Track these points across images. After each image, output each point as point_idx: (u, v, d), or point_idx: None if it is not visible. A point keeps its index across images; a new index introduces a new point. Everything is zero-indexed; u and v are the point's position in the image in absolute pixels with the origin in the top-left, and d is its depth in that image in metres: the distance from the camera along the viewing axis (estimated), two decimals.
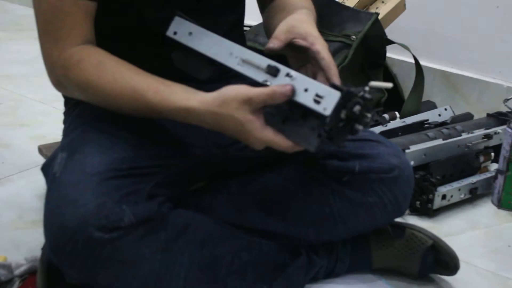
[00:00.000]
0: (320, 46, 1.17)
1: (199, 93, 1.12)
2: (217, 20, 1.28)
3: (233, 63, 1.17)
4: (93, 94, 1.18)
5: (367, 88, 1.03)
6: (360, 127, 1.04)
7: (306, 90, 1.06)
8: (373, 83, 1.07)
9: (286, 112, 1.10)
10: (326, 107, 1.02)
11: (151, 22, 1.27)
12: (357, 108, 1.02)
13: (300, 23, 1.22)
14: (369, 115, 1.04)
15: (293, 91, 1.06)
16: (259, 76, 1.13)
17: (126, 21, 1.27)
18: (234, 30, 1.42)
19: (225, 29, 1.36)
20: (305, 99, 1.06)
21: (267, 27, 1.37)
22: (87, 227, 1.08)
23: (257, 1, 1.45)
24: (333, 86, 1.04)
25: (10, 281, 1.28)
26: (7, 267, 1.29)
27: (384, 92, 2.00)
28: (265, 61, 1.14)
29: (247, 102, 1.06)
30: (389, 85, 1.12)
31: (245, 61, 1.16)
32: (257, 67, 1.14)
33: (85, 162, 1.16)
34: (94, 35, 1.22)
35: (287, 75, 1.09)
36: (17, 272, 1.29)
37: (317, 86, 1.06)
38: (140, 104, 1.15)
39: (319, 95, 1.04)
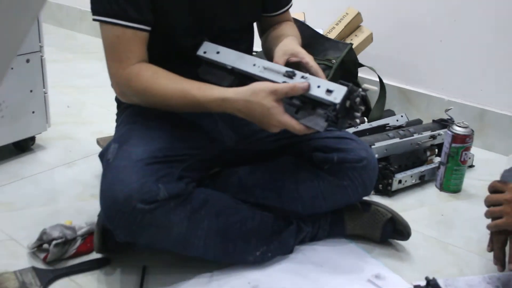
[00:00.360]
0: (308, 58, 1.21)
1: (232, 88, 1.16)
2: (233, 47, 1.27)
3: (257, 71, 1.19)
4: (151, 97, 1.19)
5: (361, 89, 1.08)
6: (358, 115, 1.09)
7: (318, 86, 1.10)
8: (366, 86, 1.12)
9: (298, 105, 1.13)
10: (336, 97, 1.07)
11: (186, 47, 1.28)
12: (358, 99, 1.08)
13: (291, 45, 1.25)
14: (363, 107, 1.10)
15: (309, 86, 1.10)
16: (279, 79, 1.15)
17: (168, 46, 1.27)
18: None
19: None
20: (318, 92, 1.10)
21: (266, 50, 1.39)
22: (132, 200, 1.08)
23: (258, 29, 1.46)
24: (340, 83, 1.09)
25: (74, 239, 1.28)
26: (72, 228, 1.29)
27: None
28: (282, 68, 1.17)
29: (273, 92, 1.10)
30: (375, 88, 1.16)
31: (266, 68, 1.18)
32: (277, 72, 1.17)
33: (131, 151, 1.17)
34: (147, 55, 1.23)
35: (302, 77, 1.13)
36: (79, 232, 1.29)
37: (328, 83, 1.11)
38: (187, 100, 1.17)
39: (330, 90, 1.09)
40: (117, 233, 1.14)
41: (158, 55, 1.24)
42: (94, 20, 1.19)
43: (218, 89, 1.16)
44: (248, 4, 1.32)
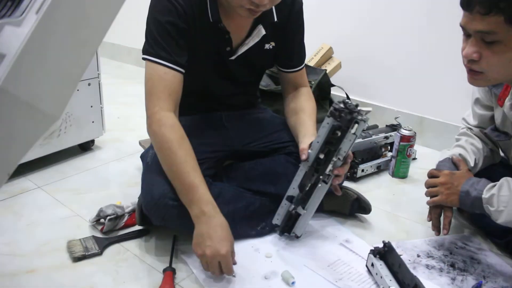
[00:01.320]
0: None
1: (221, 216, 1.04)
2: (247, 88, 1.25)
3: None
4: (158, 147, 1.07)
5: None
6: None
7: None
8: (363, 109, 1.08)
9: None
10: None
11: (211, 88, 1.25)
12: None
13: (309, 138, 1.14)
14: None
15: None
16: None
17: (199, 85, 1.23)
18: (255, 91, 1.41)
19: (251, 92, 1.37)
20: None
21: (287, 117, 1.30)
22: (165, 198, 1.06)
23: (281, 86, 1.35)
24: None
25: (122, 215, 1.26)
26: (121, 207, 1.27)
27: None
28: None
29: (231, 252, 1.03)
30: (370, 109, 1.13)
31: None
32: None
33: None
34: (178, 100, 1.10)
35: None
36: (126, 210, 1.28)
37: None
38: (183, 190, 1.03)
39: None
40: (154, 220, 1.12)
41: (192, 93, 1.20)
42: (143, 59, 1.11)
43: (214, 204, 1.03)
44: (262, 60, 1.27)
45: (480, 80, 1.02)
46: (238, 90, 1.30)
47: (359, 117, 1.03)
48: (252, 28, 1.19)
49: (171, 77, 1.08)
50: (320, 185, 1.12)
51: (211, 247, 0.99)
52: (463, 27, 0.99)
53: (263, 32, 1.18)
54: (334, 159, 1.07)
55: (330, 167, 1.08)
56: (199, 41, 1.14)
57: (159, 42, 1.09)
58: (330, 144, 1.07)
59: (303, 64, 1.32)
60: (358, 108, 1.04)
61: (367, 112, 1.08)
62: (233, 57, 1.20)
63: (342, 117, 1.03)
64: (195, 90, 1.23)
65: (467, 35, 0.99)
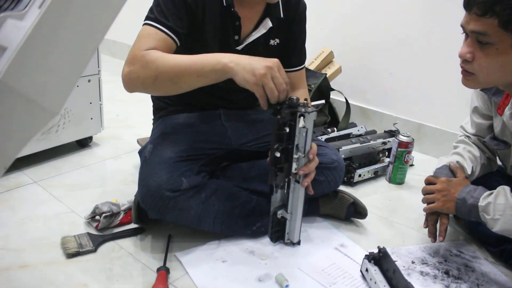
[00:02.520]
0: None
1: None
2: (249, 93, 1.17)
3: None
4: (161, 65, 1.02)
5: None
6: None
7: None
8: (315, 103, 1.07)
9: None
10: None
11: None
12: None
13: None
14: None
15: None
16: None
17: None
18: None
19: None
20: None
21: None
22: (161, 189, 1.06)
23: None
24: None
25: (118, 213, 1.26)
26: (117, 205, 1.27)
27: (328, 116, 1.98)
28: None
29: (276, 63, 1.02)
30: (323, 101, 1.13)
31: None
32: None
33: (163, 152, 1.14)
34: None
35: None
36: (122, 208, 1.27)
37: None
38: (196, 59, 1.01)
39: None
40: (150, 212, 1.12)
41: None
42: (144, 24, 1.10)
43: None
44: (266, 56, 1.24)
45: (471, 81, 1.05)
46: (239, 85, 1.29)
47: (303, 110, 1.03)
48: (259, 21, 1.22)
49: (160, 38, 1.07)
50: (293, 185, 1.12)
51: (260, 62, 0.99)
52: (462, 26, 1.02)
53: (270, 24, 1.21)
54: (295, 156, 1.07)
55: (294, 165, 1.09)
56: (208, 27, 1.16)
57: (161, 10, 1.09)
58: (283, 141, 1.07)
59: (303, 66, 1.34)
60: (306, 102, 1.04)
61: (319, 105, 1.08)
62: (239, 47, 1.21)
63: (282, 112, 1.04)
64: None
65: (466, 35, 1.02)
